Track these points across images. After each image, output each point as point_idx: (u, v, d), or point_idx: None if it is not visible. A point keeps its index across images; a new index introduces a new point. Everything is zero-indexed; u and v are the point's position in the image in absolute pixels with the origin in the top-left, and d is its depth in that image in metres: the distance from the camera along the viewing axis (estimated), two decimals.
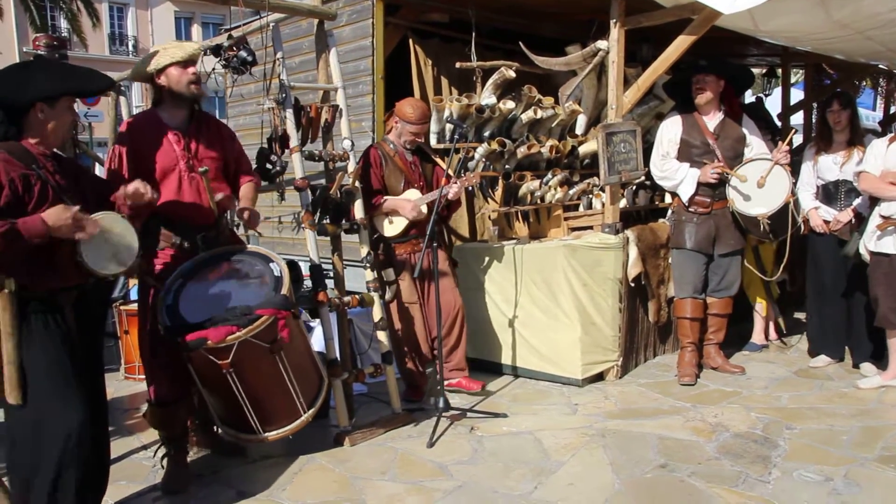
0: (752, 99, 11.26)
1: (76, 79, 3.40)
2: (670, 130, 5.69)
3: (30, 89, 3.17)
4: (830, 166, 5.66)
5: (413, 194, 5.16)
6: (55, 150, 3.39)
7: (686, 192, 5.58)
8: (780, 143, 5.61)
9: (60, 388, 3.16)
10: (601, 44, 5.66)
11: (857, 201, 5.51)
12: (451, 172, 5.11)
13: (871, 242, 5.21)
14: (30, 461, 3.16)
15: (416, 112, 5.16)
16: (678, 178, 5.59)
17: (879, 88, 11.82)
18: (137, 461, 4.45)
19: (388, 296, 5.17)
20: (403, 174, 5.19)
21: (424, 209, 5.07)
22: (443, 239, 5.43)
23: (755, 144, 5.70)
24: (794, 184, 5.58)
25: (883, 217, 5.09)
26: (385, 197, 5.14)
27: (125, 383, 6.09)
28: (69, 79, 3.34)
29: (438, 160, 5.31)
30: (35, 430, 3.15)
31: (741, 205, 5.47)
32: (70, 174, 3.35)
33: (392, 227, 5.16)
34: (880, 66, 8.56)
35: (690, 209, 5.61)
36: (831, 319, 5.86)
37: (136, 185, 3.45)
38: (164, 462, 4.15)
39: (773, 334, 6.68)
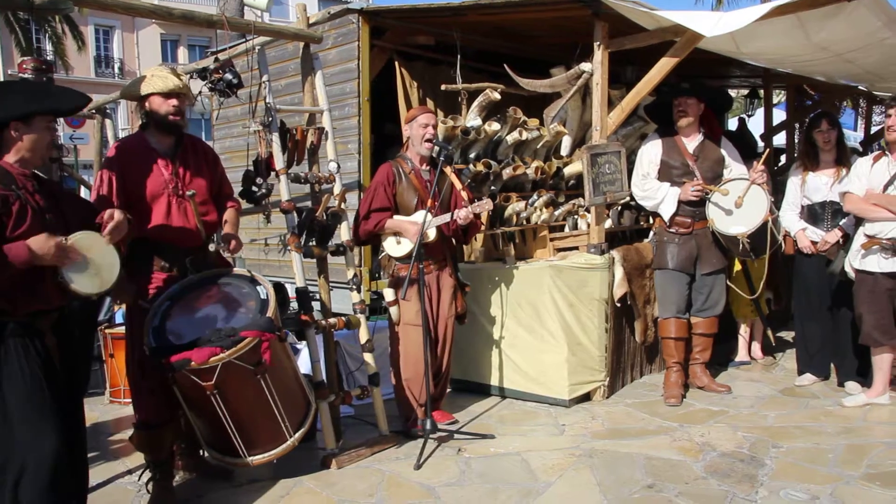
0: (734, 120, 11.37)
1: (50, 97, 3.38)
2: (650, 151, 5.76)
3: (2, 109, 3.16)
4: (819, 186, 5.70)
5: (422, 216, 4.88)
6: (36, 170, 3.37)
7: (667, 212, 5.62)
8: (755, 162, 5.67)
9: (35, 414, 3.11)
10: (585, 66, 5.72)
11: (843, 221, 5.56)
12: (464, 194, 5.08)
13: (855, 261, 5.26)
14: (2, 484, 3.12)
15: (419, 108, 5.17)
16: (659, 198, 5.64)
17: (860, 109, 11.95)
18: (122, 486, 4.40)
19: (393, 316, 5.08)
20: (417, 192, 5.04)
21: (432, 233, 4.93)
22: (452, 262, 5.26)
23: (734, 166, 5.76)
24: (773, 203, 5.62)
25: (867, 236, 5.14)
26: (389, 219, 4.99)
27: (110, 407, 6.03)
28: (43, 97, 3.33)
29: (455, 179, 5.13)
30: (7, 454, 3.11)
31: (721, 224, 5.52)
32: (51, 195, 3.33)
33: (399, 248, 5.02)
34: (860, 87, 8.67)
35: (672, 230, 5.65)
36: (817, 338, 5.90)
37: (118, 221, 3.40)
38: (150, 486, 4.12)
39: (758, 352, 6.72)
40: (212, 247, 4.14)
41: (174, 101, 3.95)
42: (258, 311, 3.90)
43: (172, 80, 3.94)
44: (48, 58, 23.56)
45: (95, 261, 3.27)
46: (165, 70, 4.01)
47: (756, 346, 6.74)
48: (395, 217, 5.00)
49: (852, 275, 5.32)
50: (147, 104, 3.97)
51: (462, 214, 4.94)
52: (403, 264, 5.00)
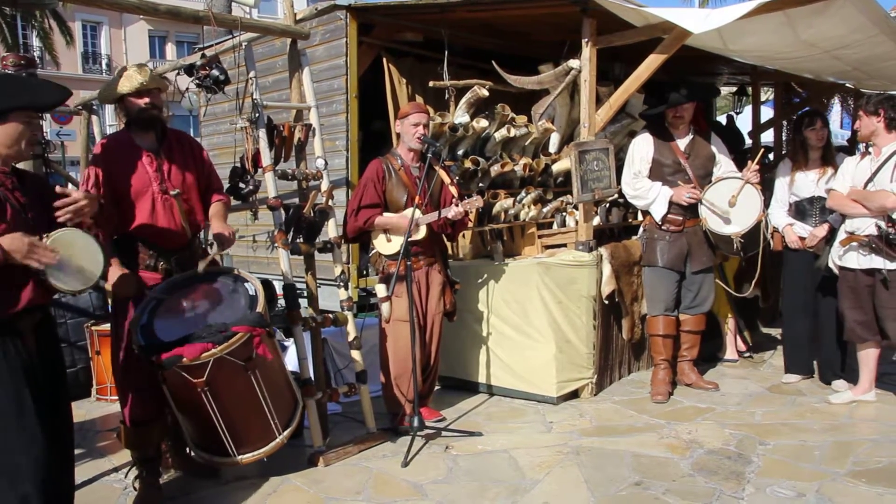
0: (723, 117, 11.39)
1: (27, 92, 3.33)
2: (642, 149, 5.74)
3: None
4: (806, 183, 5.73)
5: (412, 213, 4.85)
6: (17, 166, 3.33)
7: (659, 212, 5.62)
8: (749, 161, 5.68)
9: (18, 414, 3.08)
10: (573, 63, 5.71)
11: (830, 217, 5.58)
12: (453, 190, 5.07)
13: (836, 257, 5.29)
14: None
15: (413, 105, 5.15)
16: (650, 198, 5.63)
17: (847, 106, 11.98)
18: (108, 483, 4.38)
19: (384, 313, 5.04)
20: (407, 189, 5.02)
21: (422, 230, 4.93)
22: (442, 259, 5.26)
23: (724, 163, 5.77)
24: (765, 201, 5.64)
25: (847, 233, 5.18)
26: (378, 216, 4.97)
27: (97, 405, 6.01)
28: (19, 92, 3.27)
29: (445, 176, 5.13)
30: None
31: (714, 223, 5.52)
32: (33, 191, 3.29)
33: (390, 245, 5.01)
34: (847, 84, 8.69)
35: (663, 227, 5.65)
36: (804, 335, 5.91)
37: (75, 200, 3.25)
38: (136, 484, 4.11)
39: (741, 346, 6.73)
40: (216, 254, 4.12)
41: (146, 99, 3.96)
42: (248, 306, 3.89)
43: (136, 78, 3.93)
44: (35, 53, 23.45)
45: (78, 256, 3.24)
46: (132, 69, 4.00)
47: (738, 342, 6.75)
48: (385, 214, 4.99)
49: (836, 271, 5.35)
50: (122, 105, 4.00)
51: (452, 212, 4.93)
52: (394, 261, 4.97)
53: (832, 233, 5.51)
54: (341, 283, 4.93)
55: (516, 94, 6.67)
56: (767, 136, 10.45)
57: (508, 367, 5.66)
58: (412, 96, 6.54)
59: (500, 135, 6.16)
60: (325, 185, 4.90)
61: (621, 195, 6.09)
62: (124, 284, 3.89)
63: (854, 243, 5.12)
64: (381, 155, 5.21)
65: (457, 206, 4.95)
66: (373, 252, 5.17)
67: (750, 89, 10.66)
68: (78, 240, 3.25)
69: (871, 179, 5.09)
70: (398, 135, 5.20)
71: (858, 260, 5.13)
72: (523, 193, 6.14)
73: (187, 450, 4.38)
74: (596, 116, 5.73)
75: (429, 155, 4.84)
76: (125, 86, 3.92)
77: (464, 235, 6.10)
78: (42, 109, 3.62)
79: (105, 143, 4.08)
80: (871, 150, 5.24)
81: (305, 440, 4.74)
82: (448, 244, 5.57)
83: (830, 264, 5.39)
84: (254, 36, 5.17)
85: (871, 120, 5.14)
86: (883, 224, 5.00)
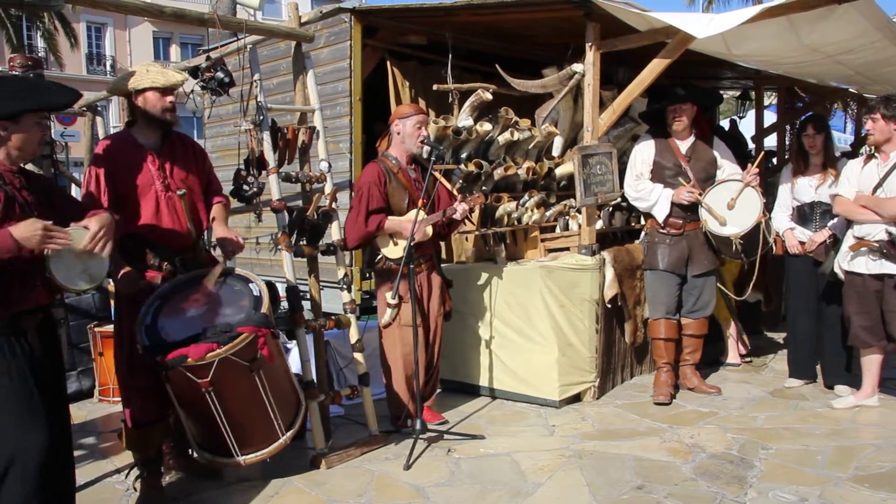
0: (726, 122, 11.40)
1: (38, 94, 3.33)
2: (643, 152, 5.76)
3: None
4: (806, 188, 5.73)
5: (416, 215, 4.80)
6: (25, 166, 3.34)
7: (661, 213, 5.62)
8: (749, 164, 5.69)
9: (22, 412, 3.09)
10: (577, 67, 5.71)
11: (832, 222, 5.58)
12: (455, 192, 5.07)
13: (844, 262, 5.28)
14: None
15: (413, 107, 5.14)
16: (652, 199, 5.64)
17: (850, 111, 11.98)
18: (110, 485, 4.39)
19: (386, 318, 5.03)
20: (407, 191, 5.01)
21: (429, 230, 4.93)
22: (439, 261, 5.28)
23: (726, 167, 5.78)
24: (766, 204, 5.64)
25: (856, 238, 5.17)
26: (388, 218, 4.95)
27: (99, 406, 6.01)
28: (31, 94, 3.28)
29: (442, 178, 5.16)
30: None
31: (714, 225, 5.53)
32: (40, 191, 3.31)
33: (396, 249, 4.96)
34: (851, 89, 8.69)
35: (663, 230, 5.65)
36: (807, 340, 5.91)
37: (97, 230, 3.28)
38: (138, 485, 4.11)
39: (741, 349, 6.73)
40: (220, 255, 4.13)
41: (171, 98, 3.97)
42: (252, 307, 3.89)
43: (173, 76, 3.94)
44: (40, 54, 23.51)
45: (84, 256, 3.24)
46: (157, 67, 3.99)
47: (738, 346, 6.74)
48: (390, 218, 4.98)
49: (842, 276, 5.34)
50: (140, 99, 3.95)
51: (459, 210, 4.94)
52: (399, 265, 4.97)
53: (834, 239, 5.51)
54: (344, 286, 4.93)
55: (520, 98, 6.67)
56: (771, 141, 10.46)
57: (511, 370, 5.66)
58: (415, 99, 6.55)
59: (503, 138, 6.17)
60: (328, 188, 4.90)
61: (624, 199, 6.10)
62: (128, 282, 3.88)
63: (864, 248, 5.11)
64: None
65: (461, 203, 4.96)
66: (379, 258, 5.14)
67: (753, 94, 10.65)
68: (83, 239, 3.26)
69: (879, 185, 5.08)
70: (388, 133, 5.17)
71: (867, 265, 5.12)
72: (526, 197, 6.14)
73: (189, 451, 4.38)
74: (599, 120, 5.73)
75: (431, 158, 4.84)
76: (159, 80, 3.90)
77: (466, 238, 6.10)
78: (53, 110, 3.63)
79: (106, 143, 4.06)
80: (875, 154, 5.23)
81: (307, 442, 4.74)
82: (441, 245, 5.57)
83: (836, 269, 5.38)
84: (258, 38, 5.18)
85: (889, 126, 5.08)
86: (893, 230, 5.00)
